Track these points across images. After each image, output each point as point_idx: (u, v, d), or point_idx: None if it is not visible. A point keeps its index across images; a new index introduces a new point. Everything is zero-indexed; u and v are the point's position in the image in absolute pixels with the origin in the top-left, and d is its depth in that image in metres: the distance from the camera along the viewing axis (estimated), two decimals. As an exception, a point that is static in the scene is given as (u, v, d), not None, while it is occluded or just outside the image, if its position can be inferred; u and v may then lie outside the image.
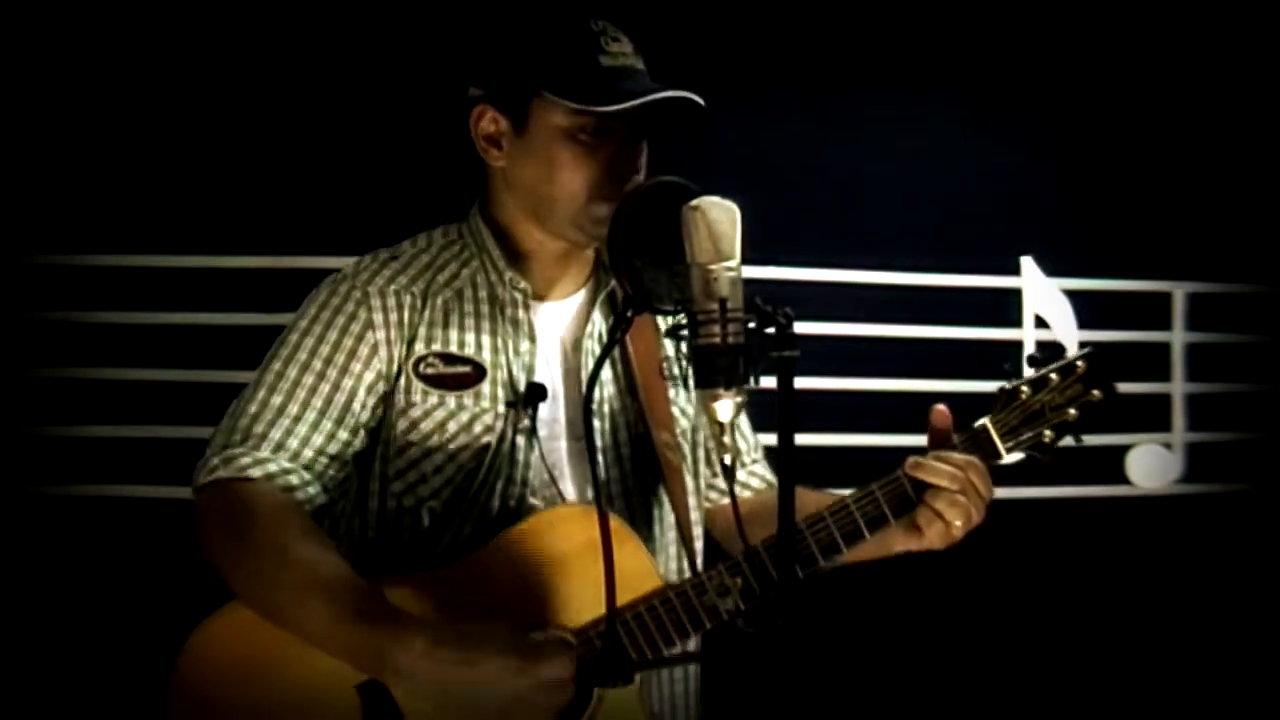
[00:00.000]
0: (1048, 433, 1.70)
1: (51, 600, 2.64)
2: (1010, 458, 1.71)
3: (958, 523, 1.65)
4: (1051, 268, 2.91)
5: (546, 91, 1.63)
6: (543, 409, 1.71)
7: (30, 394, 2.67)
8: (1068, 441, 1.73)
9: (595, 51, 1.64)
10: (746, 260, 1.43)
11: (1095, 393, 1.70)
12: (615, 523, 1.63)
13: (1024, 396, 1.70)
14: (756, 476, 1.95)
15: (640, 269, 1.53)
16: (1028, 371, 1.74)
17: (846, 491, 1.71)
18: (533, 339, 1.74)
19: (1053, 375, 1.70)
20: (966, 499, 1.64)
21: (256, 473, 1.62)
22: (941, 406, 1.71)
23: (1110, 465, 3.01)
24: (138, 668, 2.48)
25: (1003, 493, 1.71)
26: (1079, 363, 1.71)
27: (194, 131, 2.72)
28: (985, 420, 1.70)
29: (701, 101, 1.62)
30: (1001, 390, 1.71)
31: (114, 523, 2.66)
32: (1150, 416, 3.03)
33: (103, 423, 2.68)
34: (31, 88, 2.68)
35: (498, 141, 1.70)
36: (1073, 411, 1.70)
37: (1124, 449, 3.02)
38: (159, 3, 2.71)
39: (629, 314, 1.55)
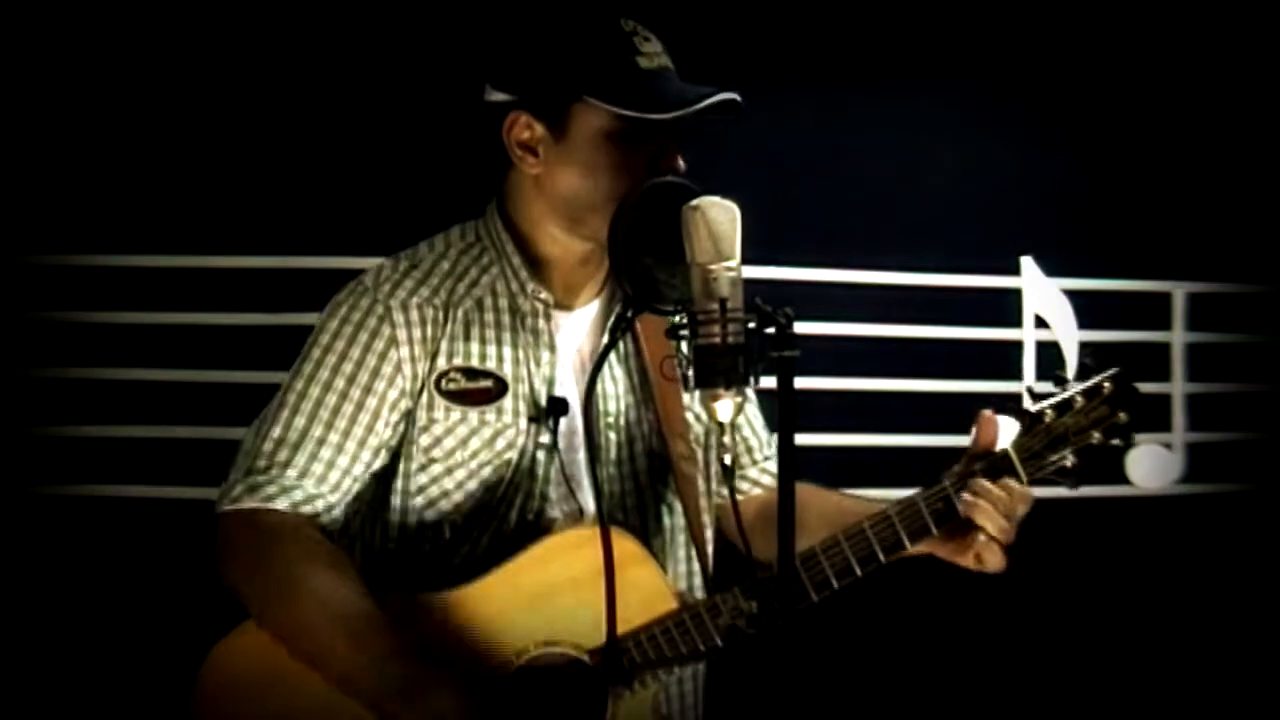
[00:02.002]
0: (1071, 457, 1.66)
1: (52, 601, 2.64)
2: (1031, 484, 1.66)
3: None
4: (1051, 268, 2.90)
5: (589, 97, 1.60)
6: (562, 421, 1.70)
7: (30, 394, 2.67)
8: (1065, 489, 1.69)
9: (632, 53, 1.61)
10: (746, 260, 1.43)
11: (1122, 415, 1.66)
12: (631, 543, 1.64)
13: (1048, 420, 1.66)
14: (769, 474, 1.92)
15: (641, 269, 1.53)
16: (1043, 389, 1.69)
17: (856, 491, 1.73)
18: (552, 349, 1.72)
19: (1078, 398, 1.66)
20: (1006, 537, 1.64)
21: (282, 503, 1.60)
22: (989, 414, 1.67)
23: (1110, 465, 3.00)
24: (138, 669, 2.49)
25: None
26: (1105, 384, 1.66)
27: (195, 131, 2.72)
28: (1007, 446, 1.66)
29: (740, 99, 1.61)
30: (1025, 414, 1.66)
31: (114, 523, 2.66)
32: (1150, 416, 3.03)
33: (103, 423, 2.68)
34: (31, 87, 2.68)
35: (533, 149, 1.66)
36: (1097, 435, 1.65)
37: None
38: (159, 3, 2.71)
39: (629, 314, 1.55)
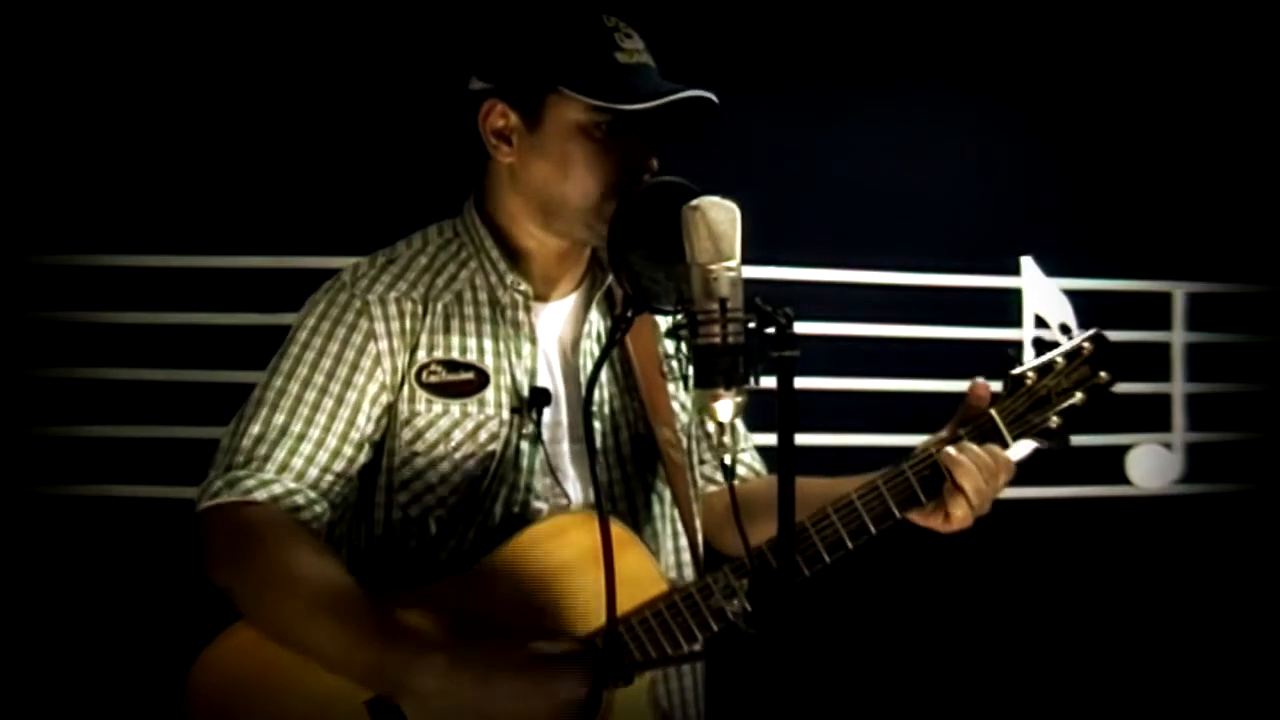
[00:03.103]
0: (1054, 419, 1.67)
1: (51, 601, 2.64)
2: (1017, 446, 1.68)
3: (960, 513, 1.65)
4: (1051, 268, 2.91)
5: (564, 87, 1.60)
6: (546, 413, 1.70)
7: (30, 394, 2.67)
8: (1077, 440, 1.69)
9: (610, 48, 1.61)
10: (746, 260, 1.43)
11: (1102, 374, 1.68)
12: (619, 528, 1.63)
13: (1029, 382, 1.67)
14: (743, 465, 1.94)
15: (640, 269, 1.52)
16: (1030, 356, 1.71)
17: (842, 479, 1.70)
18: (533, 341, 1.72)
19: (1058, 359, 1.68)
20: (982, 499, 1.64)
21: (261, 495, 1.59)
22: (983, 381, 1.69)
23: (1110, 465, 3.01)
24: (137, 668, 2.48)
25: (1003, 492, 1.70)
26: (1085, 344, 1.69)
27: (194, 131, 2.72)
28: (991, 409, 1.68)
29: (716, 100, 1.60)
30: (1008, 377, 1.68)
31: (114, 523, 2.66)
32: (1150, 416, 3.03)
33: (103, 423, 2.68)
34: (31, 87, 2.68)
35: (508, 137, 1.67)
36: (1079, 395, 1.67)
37: (1124, 449, 3.02)
38: (159, 3, 2.71)
39: (629, 314, 1.54)
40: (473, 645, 1.53)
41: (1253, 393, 3.10)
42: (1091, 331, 1.70)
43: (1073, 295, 2.85)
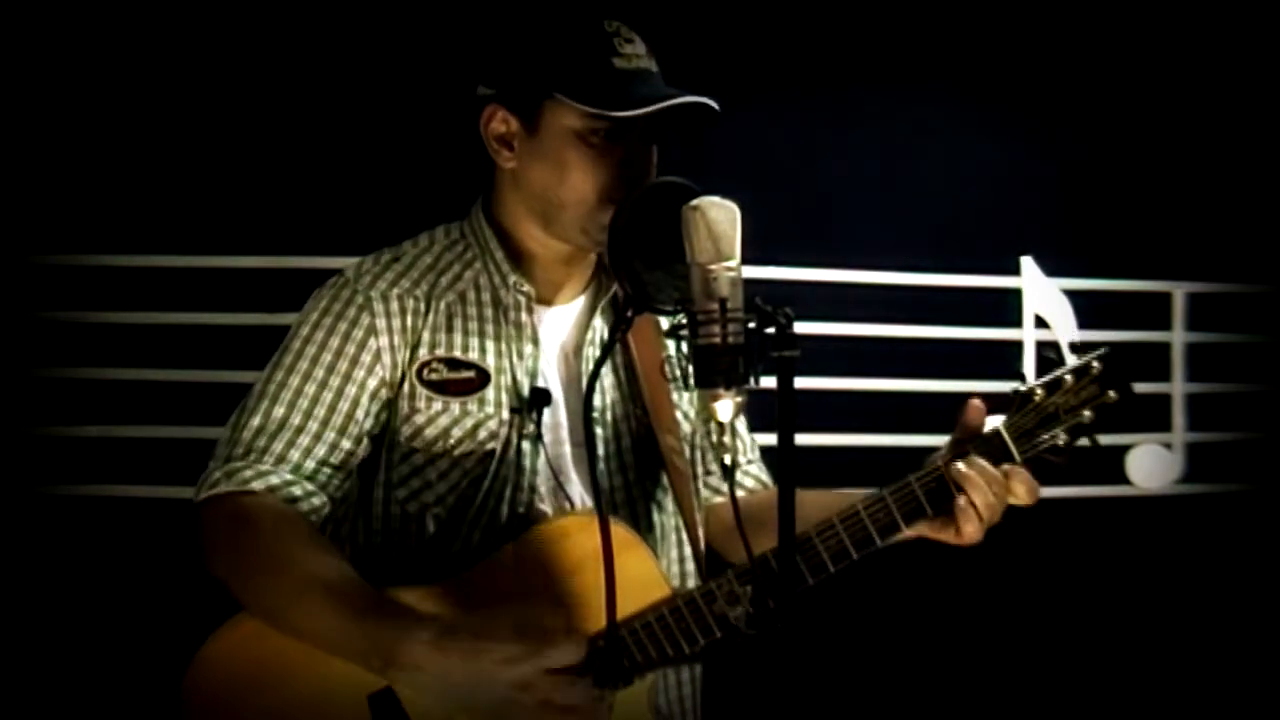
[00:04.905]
0: (1062, 435, 1.66)
1: (52, 601, 2.64)
2: (1024, 459, 1.67)
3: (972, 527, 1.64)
4: (1051, 268, 2.90)
5: (559, 93, 1.61)
6: (546, 414, 1.71)
7: (31, 394, 2.67)
8: (1082, 442, 1.68)
9: (609, 53, 1.62)
10: (746, 260, 1.43)
11: (1111, 394, 1.66)
12: (623, 530, 1.63)
13: (1038, 399, 1.66)
14: (750, 477, 1.94)
15: (640, 269, 1.52)
16: (1030, 372, 1.70)
17: (850, 490, 1.70)
18: (535, 343, 1.73)
19: (1067, 377, 1.67)
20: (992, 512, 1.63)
21: (259, 485, 1.61)
22: (978, 402, 1.68)
23: (1110, 465, 3.01)
24: (138, 668, 2.49)
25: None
26: (1094, 363, 1.67)
27: (194, 131, 2.73)
28: (999, 425, 1.66)
29: (716, 106, 1.60)
30: (1015, 393, 1.67)
31: (114, 523, 2.66)
32: (1150, 416, 3.03)
33: (103, 423, 2.68)
34: (31, 87, 2.68)
35: (509, 142, 1.69)
36: (1087, 413, 1.66)
37: (1124, 449, 3.02)
38: (159, 3, 2.71)
39: (629, 314, 1.54)
40: (464, 617, 1.54)
41: (1253, 393, 3.10)
42: (1102, 350, 1.69)
43: (1073, 295, 2.82)
